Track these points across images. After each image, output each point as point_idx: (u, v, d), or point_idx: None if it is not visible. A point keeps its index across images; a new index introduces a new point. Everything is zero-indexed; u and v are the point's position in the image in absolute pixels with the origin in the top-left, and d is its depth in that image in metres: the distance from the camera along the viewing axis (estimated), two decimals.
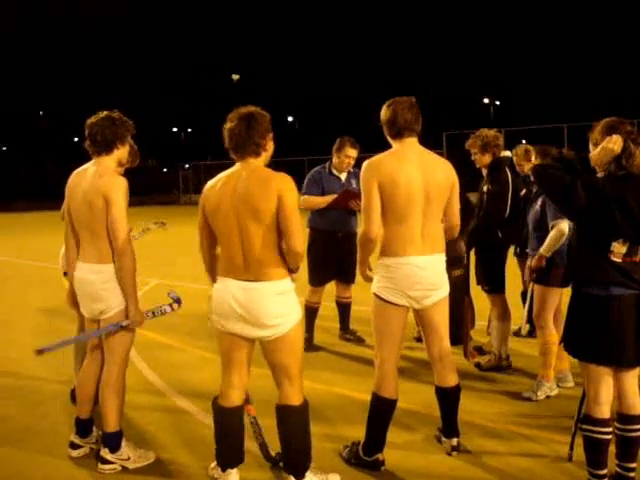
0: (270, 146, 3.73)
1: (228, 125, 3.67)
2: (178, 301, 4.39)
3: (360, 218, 4.36)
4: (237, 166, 3.70)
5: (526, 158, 6.48)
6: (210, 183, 3.74)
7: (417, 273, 3.97)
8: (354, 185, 6.71)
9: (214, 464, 3.94)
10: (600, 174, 3.55)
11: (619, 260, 3.40)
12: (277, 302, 3.61)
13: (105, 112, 4.20)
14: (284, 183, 3.57)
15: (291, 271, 3.70)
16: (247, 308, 3.58)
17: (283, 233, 3.57)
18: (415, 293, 4.00)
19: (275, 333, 3.62)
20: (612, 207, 3.38)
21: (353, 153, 6.75)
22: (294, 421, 3.76)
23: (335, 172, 6.83)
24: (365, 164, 4.01)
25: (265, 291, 3.59)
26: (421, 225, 3.98)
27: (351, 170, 6.85)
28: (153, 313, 4.35)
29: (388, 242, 3.99)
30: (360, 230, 4.04)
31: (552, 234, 5.00)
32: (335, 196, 6.63)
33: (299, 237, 3.58)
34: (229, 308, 3.63)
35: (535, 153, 5.52)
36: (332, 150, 6.84)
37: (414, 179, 3.94)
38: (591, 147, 3.65)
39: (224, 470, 3.87)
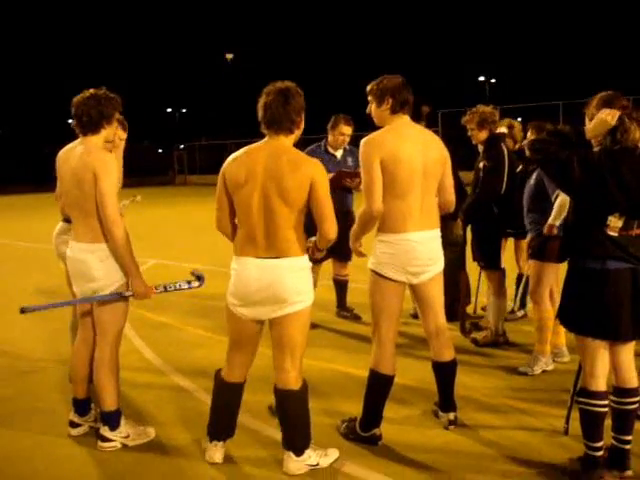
0: (302, 125, 3.69)
1: (264, 98, 3.60)
2: (200, 279, 4.32)
3: (356, 196, 4.35)
4: (265, 142, 3.65)
5: (509, 134, 6.46)
6: (232, 156, 3.67)
7: (416, 248, 3.98)
8: (350, 163, 6.71)
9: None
10: (596, 149, 3.55)
11: (615, 234, 3.41)
12: (299, 277, 3.62)
13: (91, 90, 4.13)
14: (317, 170, 3.56)
15: (318, 250, 3.74)
16: (270, 285, 3.57)
17: (317, 220, 3.59)
18: (414, 268, 4.01)
19: (294, 309, 3.63)
20: (607, 181, 3.38)
21: (348, 130, 6.74)
22: (294, 404, 3.78)
23: (331, 150, 6.82)
24: (365, 141, 3.97)
25: (287, 266, 3.58)
26: (420, 201, 3.98)
27: (347, 147, 6.84)
28: (165, 288, 4.29)
29: (387, 218, 3.99)
30: (362, 207, 4.02)
31: (558, 202, 4.96)
32: (329, 175, 6.60)
33: (333, 222, 3.61)
34: (250, 287, 3.61)
35: (531, 128, 5.51)
36: (327, 128, 6.83)
37: (414, 155, 3.93)
38: (587, 122, 3.65)
39: (211, 441, 3.92)
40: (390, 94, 4.02)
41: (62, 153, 4.23)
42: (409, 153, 3.91)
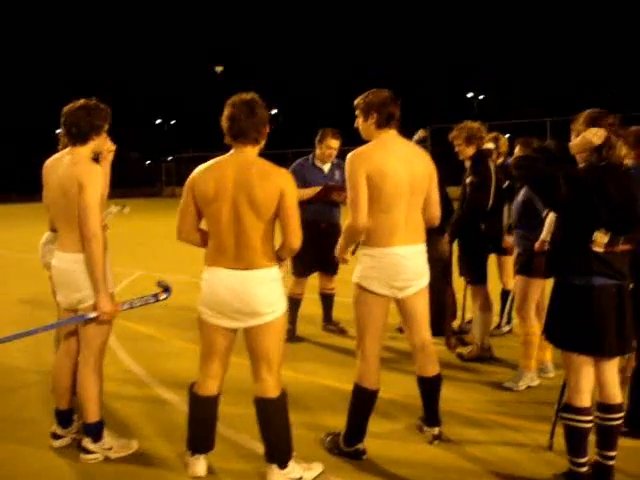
0: (266, 135, 3.71)
1: (229, 110, 3.61)
2: (167, 290, 4.30)
3: (344, 209, 4.36)
4: (232, 154, 3.65)
5: (495, 147, 6.49)
6: (200, 169, 3.67)
7: (401, 262, 3.98)
8: (337, 176, 6.71)
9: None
10: (581, 165, 3.58)
11: (601, 250, 3.43)
12: (268, 289, 3.62)
13: (82, 100, 4.12)
14: (286, 180, 3.58)
15: (280, 259, 3.72)
16: (239, 296, 3.58)
17: (283, 229, 3.60)
18: (399, 283, 4.01)
19: (265, 320, 3.63)
20: (593, 197, 3.40)
21: (335, 144, 6.75)
22: (273, 413, 3.76)
23: (318, 163, 6.83)
24: (351, 155, 3.98)
25: (257, 278, 3.59)
26: (405, 215, 3.99)
27: (334, 161, 6.85)
28: (131, 304, 4.27)
29: (373, 232, 3.99)
30: (347, 221, 4.03)
31: (549, 218, 4.93)
32: (316, 189, 6.62)
33: (298, 235, 3.62)
34: (219, 297, 3.62)
35: (519, 144, 5.53)
36: (315, 142, 6.84)
37: (400, 170, 3.94)
38: (573, 138, 3.67)
39: (192, 455, 3.90)
40: (375, 109, 4.04)
41: (49, 162, 4.21)
42: (395, 167, 3.92)
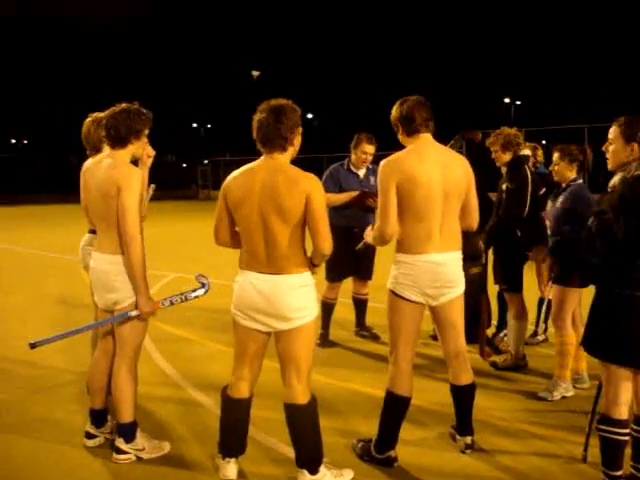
0: (297, 141, 3.70)
1: (257, 116, 3.64)
2: (205, 286, 4.28)
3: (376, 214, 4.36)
4: (263, 160, 3.68)
5: (533, 155, 6.47)
6: (233, 175, 3.72)
7: (435, 270, 3.96)
8: (373, 182, 6.71)
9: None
10: (618, 176, 3.50)
11: None
12: (298, 294, 3.62)
13: (123, 104, 4.17)
14: (313, 184, 3.57)
15: (314, 265, 3.72)
16: (269, 300, 3.60)
17: (312, 234, 3.59)
18: (432, 290, 4.00)
19: (294, 325, 3.64)
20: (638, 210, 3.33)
21: (370, 149, 6.75)
22: (302, 419, 3.76)
23: (353, 169, 6.84)
24: (383, 163, 3.99)
25: (287, 283, 3.60)
26: (440, 222, 3.97)
27: (370, 166, 6.85)
28: (171, 302, 4.28)
29: (406, 239, 3.98)
30: (377, 225, 4.04)
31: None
32: (352, 194, 6.63)
33: (327, 238, 3.60)
34: (250, 300, 3.65)
35: (556, 151, 5.42)
36: (350, 147, 6.86)
37: (434, 177, 3.92)
38: (619, 144, 3.59)
39: (224, 458, 3.91)
40: (399, 120, 4.08)
41: (89, 165, 4.27)
42: (428, 174, 3.90)
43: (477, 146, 6.28)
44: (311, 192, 3.53)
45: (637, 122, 3.60)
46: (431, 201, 3.92)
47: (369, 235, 4.32)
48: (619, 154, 3.59)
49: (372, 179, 6.73)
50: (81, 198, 4.60)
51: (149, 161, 4.54)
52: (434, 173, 3.93)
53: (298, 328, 3.65)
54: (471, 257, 5.25)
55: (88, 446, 4.39)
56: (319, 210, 3.55)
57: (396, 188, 3.89)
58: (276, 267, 3.60)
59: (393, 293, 4.07)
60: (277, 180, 3.54)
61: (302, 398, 3.72)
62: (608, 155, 3.66)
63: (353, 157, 6.82)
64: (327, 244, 3.60)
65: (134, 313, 4.07)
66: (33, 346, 4.13)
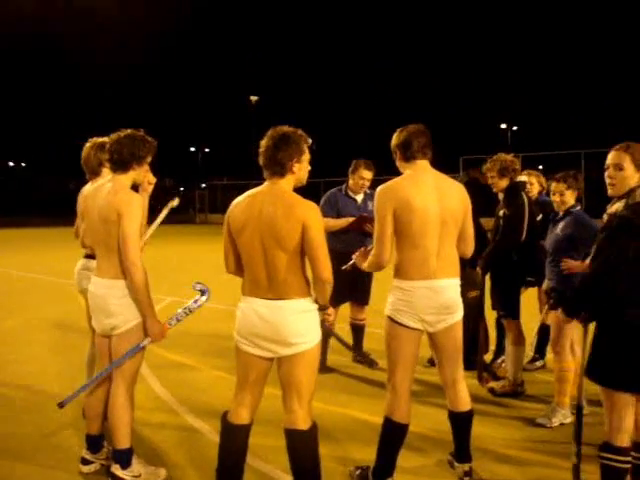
0: (299, 169, 3.68)
1: (261, 142, 3.69)
2: (205, 292, 4.27)
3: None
4: (265, 185, 3.70)
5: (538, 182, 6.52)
6: (236, 201, 3.74)
7: (432, 296, 3.96)
8: (370, 207, 6.72)
9: None
10: (621, 202, 3.52)
11: None
12: (300, 320, 3.61)
13: (129, 130, 4.20)
14: (309, 212, 3.56)
15: (321, 308, 3.72)
16: (271, 325, 3.59)
17: (310, 261, 3.58)
18: (429, 317, 3.99)
19: (297, 351, 3.62)
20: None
21: (368, 175, 6.79)
22: (303, 445, 3.73)
23: (351, 194, 6.86)
24: (379, 189, 4.02)
25: (289, 309, 3.59)
26: (437, 249, 3.98)
27: (367, 191, 6.87)
28: (177, 319, 4.27)
29: (404, 265, 3.99)
30: (372, 252, 4.05)
31: None
32: (350, 219, 6.66)
33: (326, 265, 3.58)
34: (252, 326, 3.64)
35: (564, 182, 5.34)
36: (348, 172, 6.89)
37: (430, 203, 3.94)
38: (631, 169, 3.61)
39: None
40: (398, 146, 4.13)
41: (89, 190, 4.29)
42: (424, 201, 3.93)
43: (480, 186, 6.31)
44: (307, 219, 3.52)
45: (634, 148, 3.63)
46: (427, 227, 3.93)
47: (358, 257, 4.34)
48: (628, 180, 3.60)
49: (370, 204, 6.75)
50: (76, 223, 4.60)
51: (150, 188, 4.56)
52: (430, 199, 3.94)
53: (300, 353, 3.63)
54: (468, 281, 5.25)
55: (84, 472, 4.35)
56: (316, 238, 3.54)
57: (393, 214, 3.91)
58: (278, 293, 3.60)
59: (391, 319, 4.06)
60: (275, 207, 3.56)
61: (303, 424, 3.70)
62: (613, 181, 3.66)
63: (351, 182, 6.85)
64: (327, 272, 3.59)
65: (146, 342, 4.07)
66: (61, 405, 4.18)
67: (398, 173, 4.16)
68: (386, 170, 4.46)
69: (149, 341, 4.08)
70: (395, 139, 4.16)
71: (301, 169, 3.71)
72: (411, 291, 3.97)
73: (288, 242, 3.53)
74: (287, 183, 3.68)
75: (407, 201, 3.91)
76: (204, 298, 4.28)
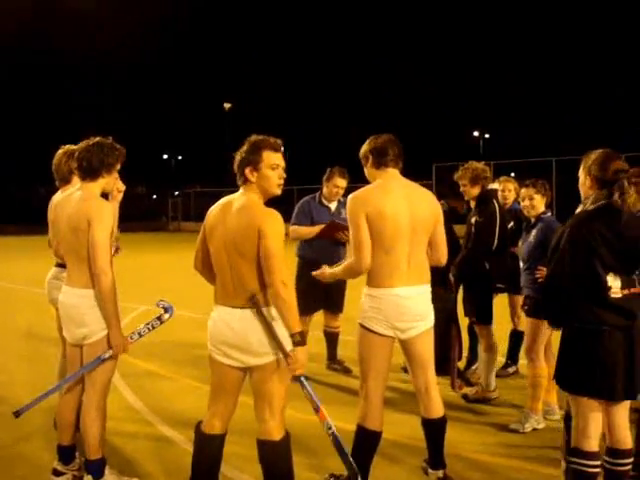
0: (254, 177, 3.60)
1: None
2: (168, 310, 4.27)
3: (348, 249, 4.37)
4: (238, 193, 3.71)
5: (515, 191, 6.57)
6: (214, 205, 3.76)
7: (403, 303, 3.98)
8: (344, 214, 6.73)
9: None
10: (587, 205, 3.59)
11: (619, 295, 3.40)
12: (264, 329, 3.57)
13: (98, 138, 4.17)
14: (266, 219, 3.50)
15: (296, 342, 3.58)
16: (239, 335, 3.56)
17: (264, 270, 3.49)
18: (401, 324, 4.00)
19: (266, 361, 3.60)
20: (595, 245, 3.40)
21: (342, 183, 6.81)
22: (275, 456, 3.71)
23: (325, 202, 6.88)
24: (350, 197, 4.04)
25: (252, 317, 3.56)
26: (407, 256, 4.00)
27: (341, 199, 6.90)
28: (139, 334, 4.25)
29: (375, 273, 4.00)
30: (350, 261, 4.05)
31: None
32: (322, 226, 6.67)
33: (280, 275, 3.45)
34: (222, 335, 3.62)
35: (533, 188, 5.39)
36: (322, 180, 6.90)
37: (401, 211, 3.96)
38: (583, 176, 3.69)
39: None
40: (370, 151, 4.15)
41: (57, 199, 4.25)
42: (394, 208, 3.95)
43: (454, 215, 6.40)
44: (263, 227, 3.46)
45: (588, 156, 3.71)
46: (398, 234, 3.95)
47: (329, 269, 4.33)
48: (582, 186, 3.72)
49: (343, 212, 6.73)
50: (49, 232, 4.55)
51: (119, 196, 4.53)
52: (400, 207, 3.97)
53: (270, 363, 3.60)
54: (440, 309, 5.27)
55: None
56: (271, 247, 3.44)
57: (365, 220, 3.93)
58: (243, 301, 3.57)
59: (363, 327, 4.07)
60: (238, 215, 3.56)
61: (276, 434, 3.67)
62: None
63: (325, 190, 6.87)
64: (280, 285, 3.43)
65: (107, 355, 4.03)
66: (17, 414, 4.16)
67: (370, 181, 4.17)
68: (360, 178, 4.47)
69: (110, 354, 4.04)
70: (369, 144, 4.17)
71: (256, 178, 3.61)
72: (382, 298, 3.98)
73: (247, 250, 3.50)
74: (252, 191, 3.65)
75: (378, 209, 3.93)
76: (167, 315, 4.29)
